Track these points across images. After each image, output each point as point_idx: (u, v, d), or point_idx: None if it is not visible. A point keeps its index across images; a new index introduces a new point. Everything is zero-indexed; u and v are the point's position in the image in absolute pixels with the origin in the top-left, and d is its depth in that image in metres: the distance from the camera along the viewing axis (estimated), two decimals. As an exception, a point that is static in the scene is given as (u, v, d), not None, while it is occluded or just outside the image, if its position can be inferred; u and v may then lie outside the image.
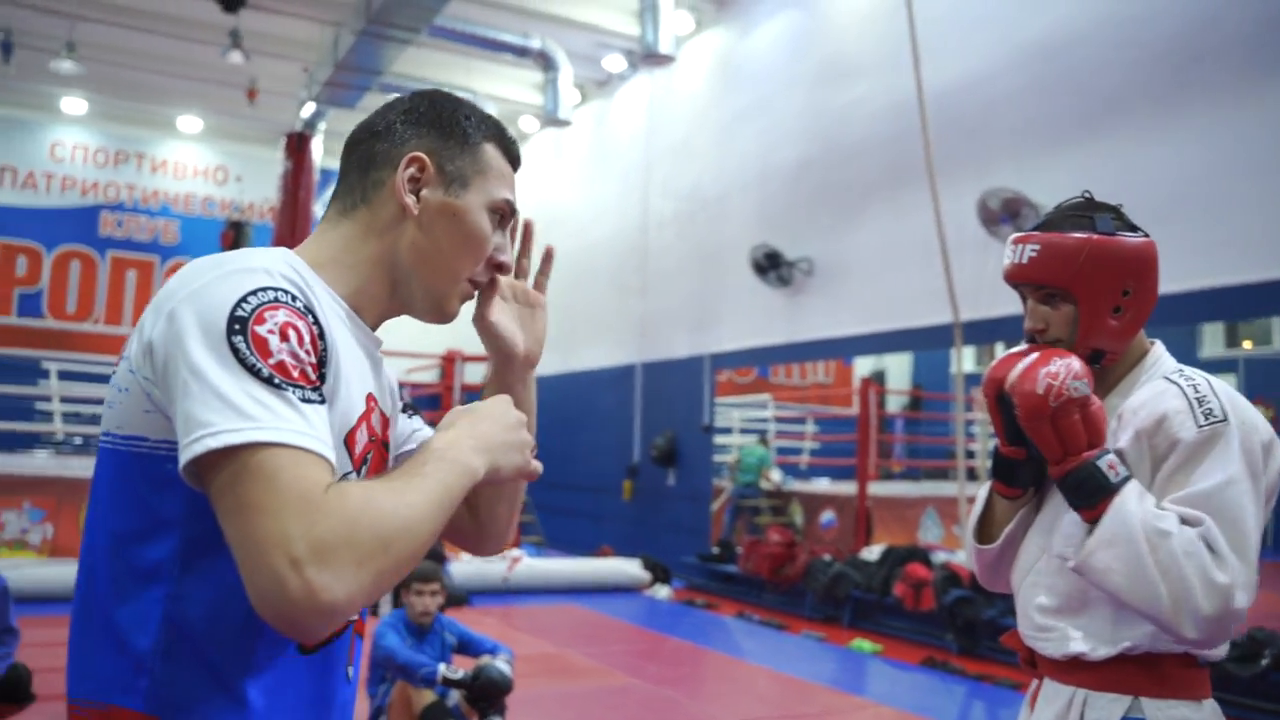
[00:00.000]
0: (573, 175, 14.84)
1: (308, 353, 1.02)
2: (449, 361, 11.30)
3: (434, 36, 11.37)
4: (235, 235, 14.45)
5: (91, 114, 15.95)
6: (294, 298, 1.04)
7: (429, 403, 13.23)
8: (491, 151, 1.28)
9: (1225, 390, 1.74)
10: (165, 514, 1.03)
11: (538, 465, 1.24)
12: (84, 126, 16.26)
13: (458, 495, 1.06)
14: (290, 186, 13.76)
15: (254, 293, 1.01)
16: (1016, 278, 1.86)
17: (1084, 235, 1.78)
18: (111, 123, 16.31)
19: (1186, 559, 1.60)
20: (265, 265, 1.05)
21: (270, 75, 13.64)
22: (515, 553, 9.91)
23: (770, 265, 9.92)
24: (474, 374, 12.15)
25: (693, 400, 11.38)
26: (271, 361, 0.97)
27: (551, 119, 12.75)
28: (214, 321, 0.98)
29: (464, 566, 9.19)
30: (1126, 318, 1.80)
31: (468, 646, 4.57)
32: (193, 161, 16.98)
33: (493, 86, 14.21)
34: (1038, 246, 1.81)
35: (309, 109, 13.20)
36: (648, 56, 10.67)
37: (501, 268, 1.31)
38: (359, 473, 1.15)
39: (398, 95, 1.31)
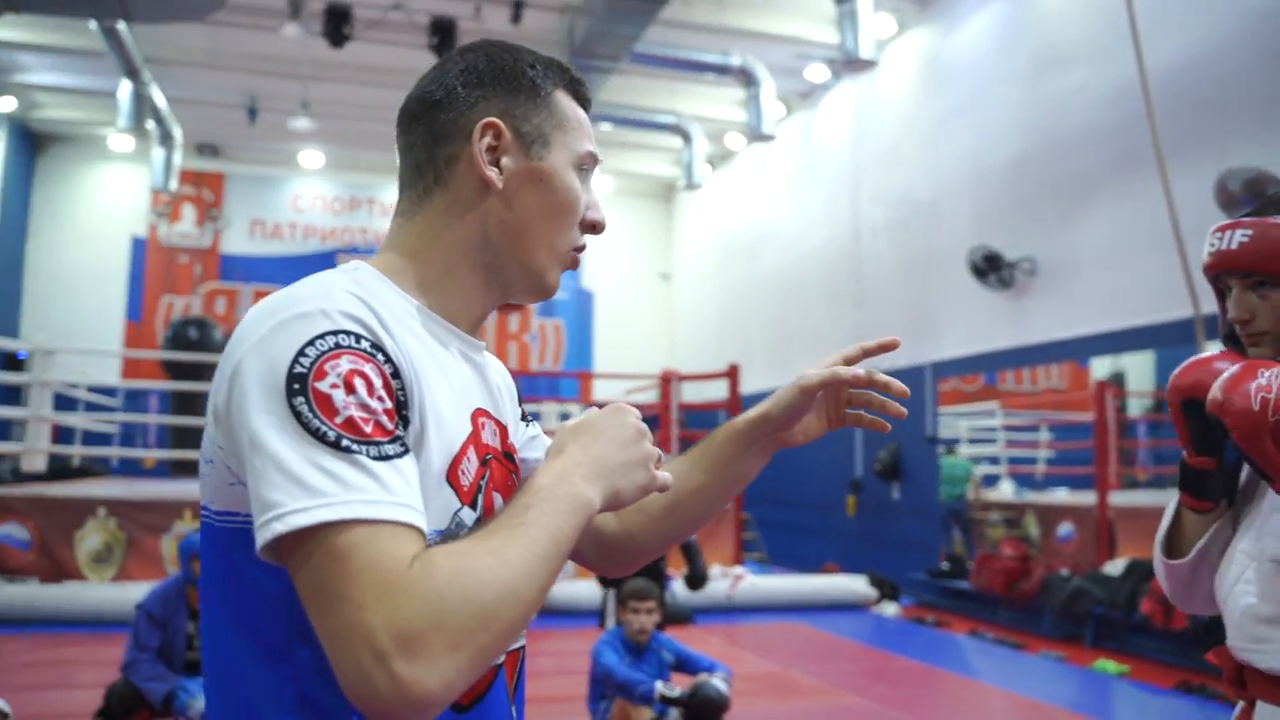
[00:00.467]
0: (781, 189, 14.76)
1: (380, 399, 0.91)
2: (666, 381, 11.39)
3: (636, 63, 11.59)
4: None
5: (327, 165, 17.25)
6: (358, 338, 0.93)
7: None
8: (565, 100, 1.15)
9: None
10: (271, 591, 0.94)
11: (665, 477, 1.10)
12: (321, 177, 17.59)
13: (570, 536, 0.96)
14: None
15: (311, 343, 0.90)
16: (1224, 265, 1.73)
17: None
18: (344, 172, 17.58)
19: None
20: (322, 306, 0.94)
21: (483, 115, 14.30)
22: (738, 570, 9.87)
23: (990, 267, 9.54)
24: (690, 393, 12.21)
25: (915, 411, 11.02)
26: (338, 420, 0.87)
27: (757, 134, 12.72)
28: (273, 384, 0.89)
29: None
30: None
31: (685, 664, 4.57)
32: (417, 203, 18.02)
33: (696, 107, 14.36)
34: (1250, 232, 1.69)
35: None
36: (850, 63, 10.49)
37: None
38: (473, 504, 1.04)
39: (448, 54, 1.16)
